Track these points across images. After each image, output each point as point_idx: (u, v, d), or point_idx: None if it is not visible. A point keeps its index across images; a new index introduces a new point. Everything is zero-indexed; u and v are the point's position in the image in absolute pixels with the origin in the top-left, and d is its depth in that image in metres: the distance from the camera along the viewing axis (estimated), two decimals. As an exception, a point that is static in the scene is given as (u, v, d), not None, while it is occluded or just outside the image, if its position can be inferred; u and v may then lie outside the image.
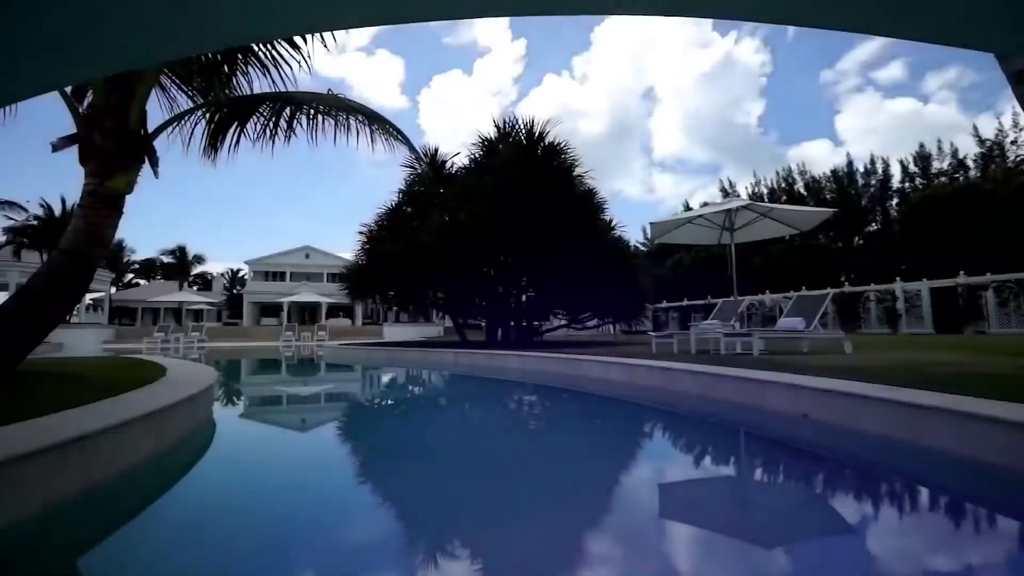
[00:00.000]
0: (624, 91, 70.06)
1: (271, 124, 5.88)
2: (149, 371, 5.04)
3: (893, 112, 49.59)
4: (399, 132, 6.00)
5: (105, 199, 4.15)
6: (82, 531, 1.93)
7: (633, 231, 47.86)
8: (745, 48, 63.09)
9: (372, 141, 6.01)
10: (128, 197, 4.52)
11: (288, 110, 5.83)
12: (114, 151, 4.14)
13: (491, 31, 73.53)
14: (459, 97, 76.30)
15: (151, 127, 4.80)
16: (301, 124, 5.95)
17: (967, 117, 45.49)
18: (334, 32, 4.48)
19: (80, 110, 4.35)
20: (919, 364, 4.62)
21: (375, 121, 5.84)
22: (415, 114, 71.36)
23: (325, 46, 4.79)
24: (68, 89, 4.34)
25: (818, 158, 61.91)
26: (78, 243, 4.08)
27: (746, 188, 34.63)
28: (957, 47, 1.85)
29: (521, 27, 69.25)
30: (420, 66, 76.37)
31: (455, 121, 72.77)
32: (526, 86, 73.25)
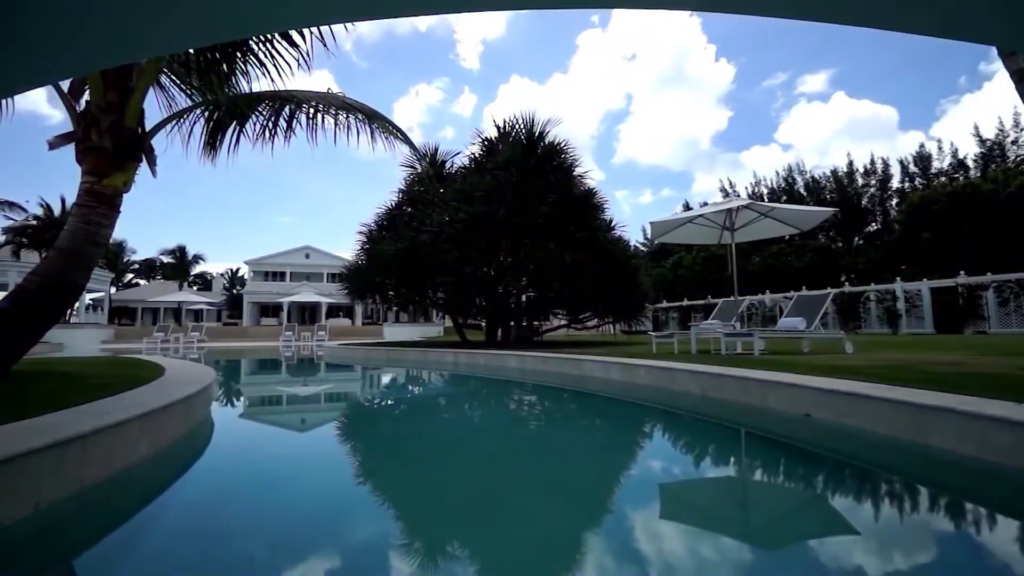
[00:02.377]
0: (579, 105, 69.96)
1: (270, 123, 5.85)
2: (147, 371, 5.02)
3: (833, 120, 54.67)
4: (399, 130, 5.98)
5: (102, 198, 4.12)
6: (73, 534, 1.90)
7: (632, 231, 48.06)
8: (701, 61, 63.57)
9: (372, 140, 5.99)
10: (128, 197, 4.50)
11: (287, 109, 5.80)
12: (111, 149, 4.12)
13: (465, 47, 72.92)
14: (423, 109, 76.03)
15: (149, 126, 4.78)
16: (300, 123, 5.92)
17: (903, 130, 48.85)
18: (332, 27, 4.45)
19: (77, 108, 4.32)
20: (922, 364, 4.60)
21: (375, 119, 5.82)
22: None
23: (324, 44, 4.75)
24: (65, 87, 4.32)
25: (768, 163, 64.68)
26: (75, 242, 4.06)
27: (745, 188, 34.66)
28: (958, 40, 1.83)
29: (494, 48, 69.38)
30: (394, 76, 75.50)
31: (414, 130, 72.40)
32: (489, 95, 73.24)
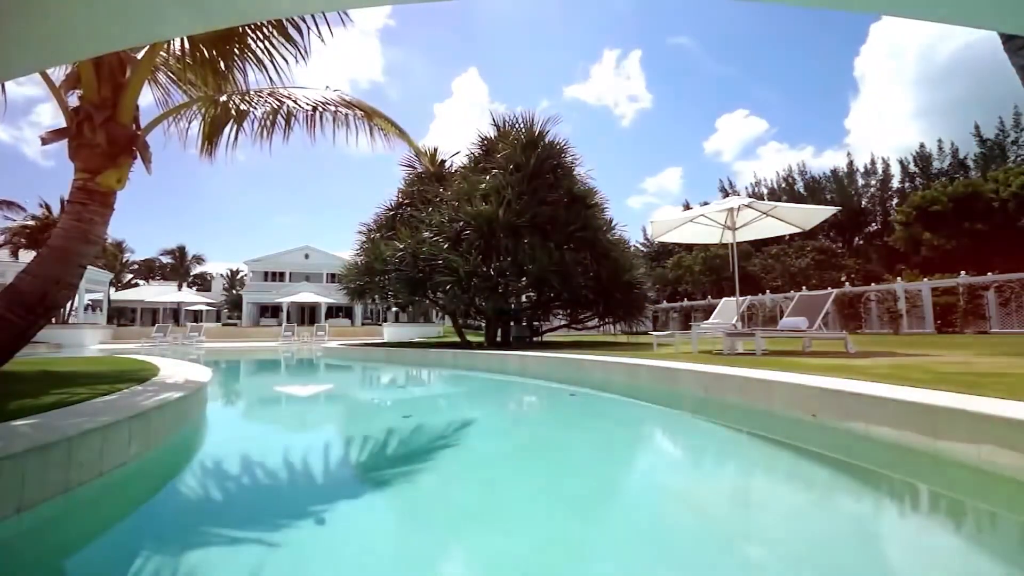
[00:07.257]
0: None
1: (269, 121, 5.80)
2: (143, 371, 4.96)
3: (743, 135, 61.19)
4: (398, 127, 5.92)
5: (95, 195, 4.06)
6: (58, 537, 1.84)
7: (633, 231, 48.05)
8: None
9: (372, 138, 5.94)
10: (127, 196, 4.44)
11: (286, 107, 5.75)
12: (104, 146, 4.06)
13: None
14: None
15: (144, 123, 4.72)
16: (299, 121, 5.87)
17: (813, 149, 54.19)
18: (327, 16, 4.39)
19: (70, 104, 4.26)
20: (927, 364, 4.54)
21: (375, 117, 5.76)
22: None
23: (322, 40, 4.69)
24: (58, 82, 4.26)
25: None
26: (67, 240, 4.00)
27: (746, 188, 34.66)
28: (963, 27, 1.79)
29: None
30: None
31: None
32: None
